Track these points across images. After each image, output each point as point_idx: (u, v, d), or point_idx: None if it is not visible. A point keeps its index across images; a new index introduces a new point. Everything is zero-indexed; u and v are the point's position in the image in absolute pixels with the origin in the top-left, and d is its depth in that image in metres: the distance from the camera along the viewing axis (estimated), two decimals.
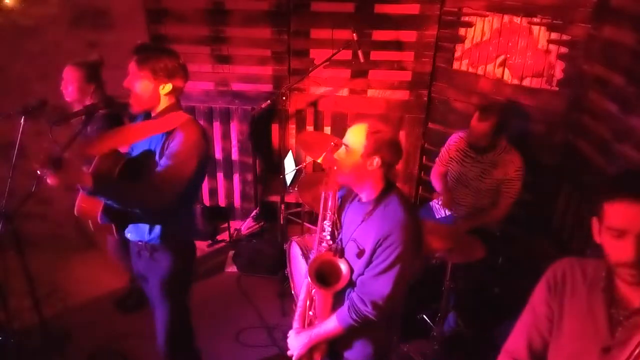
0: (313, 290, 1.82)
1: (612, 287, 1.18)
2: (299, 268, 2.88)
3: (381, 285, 1.61)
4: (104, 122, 2.60)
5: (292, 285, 3.06)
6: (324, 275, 1.74)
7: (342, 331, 1.71)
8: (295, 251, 2.89)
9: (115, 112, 2.64)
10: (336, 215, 1.78)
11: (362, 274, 1.67)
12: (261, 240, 3.78)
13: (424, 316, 2.95)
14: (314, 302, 1.82)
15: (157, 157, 1.91)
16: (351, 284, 1.72)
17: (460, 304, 2.95)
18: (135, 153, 2.02)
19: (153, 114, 1.96)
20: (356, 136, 1.63)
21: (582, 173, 2.70)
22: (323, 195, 1.78)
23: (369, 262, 1.63)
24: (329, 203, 1.77)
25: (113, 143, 1.91)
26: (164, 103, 1.94)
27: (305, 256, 2.73)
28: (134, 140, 1.96)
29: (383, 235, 1.58)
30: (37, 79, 3.41)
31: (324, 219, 1.79)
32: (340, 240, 1.78)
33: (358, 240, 1.68)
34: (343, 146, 1.67)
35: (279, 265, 3.25)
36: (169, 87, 1.90)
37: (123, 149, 2.02)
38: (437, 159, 3.08)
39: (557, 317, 1.29)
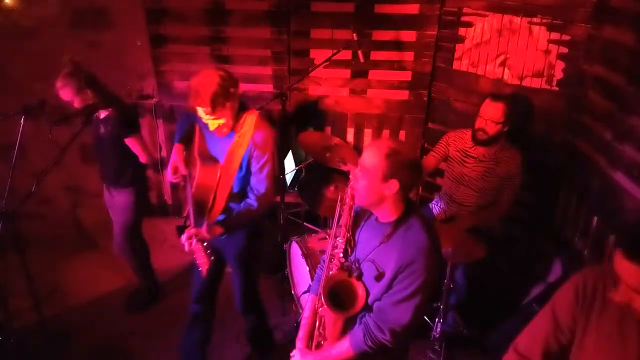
0: (320, 309, 1.72)
1: None
2: (299, 268, 2.88)
3: (401, 313, 1.55)
4: (116, 124, 2.62)
5: (292, 285, 3.06)
6: (337, 295, 1.65)
7: (353, 356, 1.64)
8: (295, 251, 2.90)
9: (126, 113, 2.64)
10: (350, 233, 1.70)
11: (379, 298, 1.60)
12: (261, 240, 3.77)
13: (424, 316, 2.96)
14: (322, 322, 1.73)
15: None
16: (365, 307, 1.64)
17: (460, 304, 2.95)
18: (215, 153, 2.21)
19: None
20: (373, 158, 1.54)
21: (582, 173, 2.69)
22: (337, 210, 1.71)
23: (389, 287, 1.56)
24: (343, 219, 1.69)
25: (227, 183, 2.11)
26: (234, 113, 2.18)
27: (305, 256, 2.73)
28: (236, 168, 2.13)
29: (406, 262, 1.51)
30: (37, 79, 3.40)
31: (336, 235, 1.71)
32: (354, 259, 1.69)
33: (377, 262, 1.60)
34: (359, 167, 1.58)
35: (279, 265, 3.25)
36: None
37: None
38: (432, 150, 3.02)
39: (580, 330, 1.21)
